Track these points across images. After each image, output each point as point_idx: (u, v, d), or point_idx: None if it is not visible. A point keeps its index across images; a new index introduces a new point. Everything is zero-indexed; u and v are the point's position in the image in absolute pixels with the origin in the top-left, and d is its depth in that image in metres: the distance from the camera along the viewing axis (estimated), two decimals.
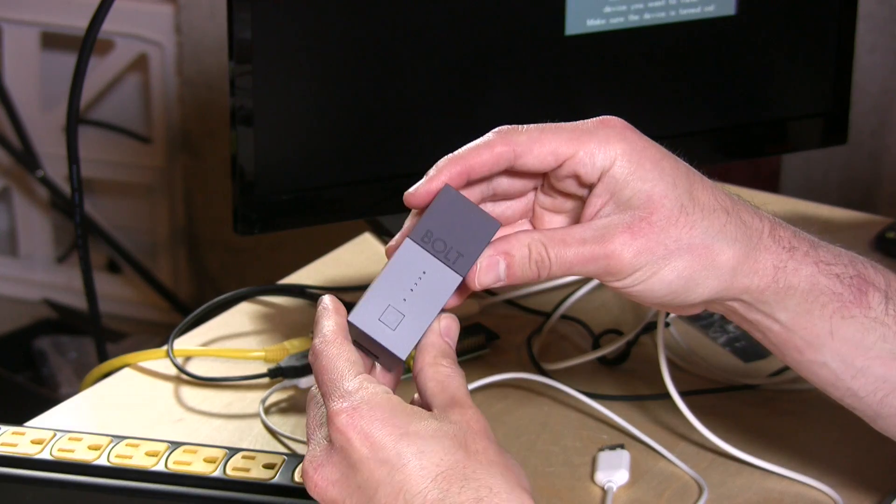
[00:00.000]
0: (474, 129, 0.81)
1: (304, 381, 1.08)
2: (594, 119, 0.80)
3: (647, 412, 1.07)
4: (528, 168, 0.80)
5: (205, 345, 1.17)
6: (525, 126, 0.80)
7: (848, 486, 0.98)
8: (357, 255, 1.32)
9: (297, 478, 0.90)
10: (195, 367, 1.13)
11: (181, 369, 1.11)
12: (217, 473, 0.91)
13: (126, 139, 2.42)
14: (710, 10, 1.23)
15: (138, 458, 0.93)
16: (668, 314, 1.09)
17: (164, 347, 1.13)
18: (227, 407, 1.08)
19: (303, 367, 1.08)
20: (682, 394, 1.02)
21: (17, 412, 1.11)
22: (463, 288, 0.79)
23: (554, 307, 1.20)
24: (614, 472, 0.99)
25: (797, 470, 0.99)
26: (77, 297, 2.40)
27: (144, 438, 0.95)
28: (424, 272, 0.78)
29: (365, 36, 1.13)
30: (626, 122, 0.81)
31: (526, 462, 1.01)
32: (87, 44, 1.17)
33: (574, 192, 0.81)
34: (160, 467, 0.92)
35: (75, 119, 1.21)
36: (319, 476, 0.73)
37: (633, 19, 1.21)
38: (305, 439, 0.97)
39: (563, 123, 0.80)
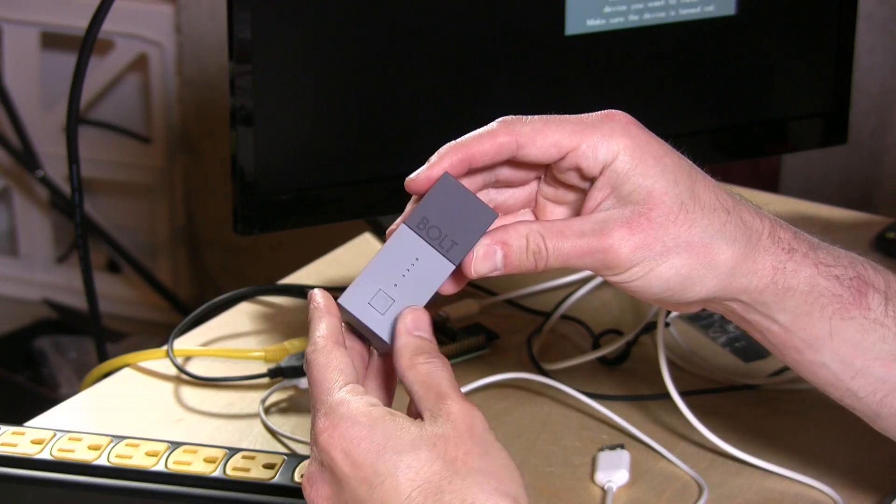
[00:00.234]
0: (474, 128, 0.81)
1: (304, 382, 1.08)
2: (599, 112, 0.80)
3: (647, 412, 1.07)
4: (531, 159, 0.80)
5: (205, 345, 1.17)
6: (529, 117, 0.80)
7: (848, 486, 0.98)
8: (357, 255, 1.32)
9: (297, 478, 0.90)
10: (195, 367, 1.13)
11: (181, 369, 1.11)
12: (217, 473, 0.91)
13: (126, 139, 2.42)
14: (710, 10, 1.23)
15: (138, 459, 0.93)
16: (668, 314, 1.09)
17: (164, 347, 1.13)
18: (227, 407, 1.08)
19: (302, 367, 1.08)
20: (682, 394, 1.02)
21: (17, 412, 1.11)
22: (459, 276, 0.79)
23: (554, 307, 1.20)
24: (614, 472, 0.99)
25: (797, 470, 0.99)
26: (77, 297, 2.40)
27: (144, 438, 0.95)
28: (417, 258, 0.78)
29: (365, 36, 1.12)
30: (630, 117, 0.81)
31: (526, 462, 1.01)
32: (87, 44, 1.17)
33: (576, 185, 0.81)
34: (160, 467, 0.92)
35: (75, 119, 1.20)
36: (315, 492, 0.74)
37: (633, 19, 1.21)
38: (305, 439, 0.97)
39: (567, 116, 0.80)
